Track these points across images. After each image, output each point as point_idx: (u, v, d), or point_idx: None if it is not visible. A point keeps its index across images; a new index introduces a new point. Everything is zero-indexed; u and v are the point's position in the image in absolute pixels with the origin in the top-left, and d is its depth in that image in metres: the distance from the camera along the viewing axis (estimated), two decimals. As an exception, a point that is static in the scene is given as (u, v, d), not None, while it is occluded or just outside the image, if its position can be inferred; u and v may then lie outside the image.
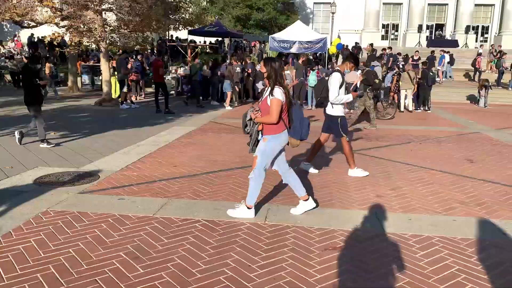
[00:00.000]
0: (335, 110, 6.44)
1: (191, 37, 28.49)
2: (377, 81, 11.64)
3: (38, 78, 8.22)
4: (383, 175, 6.69)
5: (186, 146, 8.55)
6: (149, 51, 23.24)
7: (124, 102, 14.90)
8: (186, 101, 16.17)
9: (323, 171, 6.85)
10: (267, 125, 4.44)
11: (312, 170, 6.78)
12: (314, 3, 39.18)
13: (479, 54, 24.93)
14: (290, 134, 4.48)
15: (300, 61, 17.81)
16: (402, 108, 15.49)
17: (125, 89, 14.95)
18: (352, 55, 6.73)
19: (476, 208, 5.18)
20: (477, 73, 24.03)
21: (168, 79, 18.62)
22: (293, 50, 21.57)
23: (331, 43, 29.33)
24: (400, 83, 15.58)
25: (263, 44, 29.34)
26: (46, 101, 14.43)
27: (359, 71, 12.59)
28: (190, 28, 20.87)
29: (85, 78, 21.70)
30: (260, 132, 4.55)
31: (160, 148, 8.29)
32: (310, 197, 4.85)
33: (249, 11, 29.59)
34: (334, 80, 6.24)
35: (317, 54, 25.55)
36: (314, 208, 4.85)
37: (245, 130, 4.66)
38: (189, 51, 21.08)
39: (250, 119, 4.53)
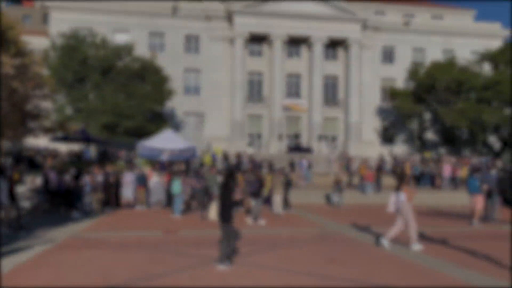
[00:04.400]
0: None
1: (53, 145, 26.87)
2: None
3: None
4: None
5: (39, 268, 7.54)
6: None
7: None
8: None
9: None
10: None
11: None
12: (184, 112, 40.92)
13: (331, 160, 28.17)
14: None
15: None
16: (280, 211, 16.13)
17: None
18: None
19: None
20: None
21: (22, 191, 16.82)
22: (164, 157, 21.48)
23: (210, 151, 30.26)
24: (274, 187, 16.51)
25: (132, 151, 28.86)
26: None
27: None
28: (52, 136, 19.78)
29: None
30: None
31: (7, 272, 7.16)
32: None
33: (117, 118, 29.40)
34: None
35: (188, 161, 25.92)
36: None
37: None
38: (48, 160, 19.72)
39: None
